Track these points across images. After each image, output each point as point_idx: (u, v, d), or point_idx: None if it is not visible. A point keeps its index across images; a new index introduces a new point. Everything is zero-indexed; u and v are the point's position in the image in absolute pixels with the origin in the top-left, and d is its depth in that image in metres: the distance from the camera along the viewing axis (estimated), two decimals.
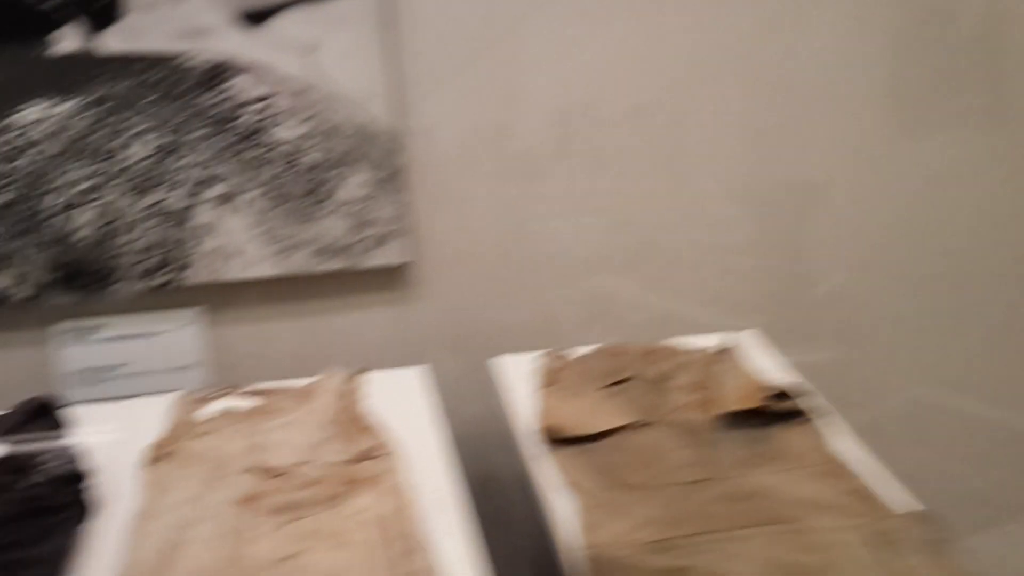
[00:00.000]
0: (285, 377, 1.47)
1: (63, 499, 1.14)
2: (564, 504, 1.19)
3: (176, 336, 1.54)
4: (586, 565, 1.08)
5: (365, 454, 1.27)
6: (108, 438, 1.31)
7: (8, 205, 1.43)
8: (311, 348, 1.59)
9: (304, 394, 1.42)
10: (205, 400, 1.41)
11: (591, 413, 1.34)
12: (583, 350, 1.51)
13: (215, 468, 1.25)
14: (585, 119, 1.62)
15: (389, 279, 1.60)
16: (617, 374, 1.44)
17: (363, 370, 1.47)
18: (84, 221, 1.46)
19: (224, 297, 1.54)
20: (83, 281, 1.47)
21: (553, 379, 1.44)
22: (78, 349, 1.51)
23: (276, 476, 1.23)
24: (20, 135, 1.43)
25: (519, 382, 1.46)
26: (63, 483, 1.17)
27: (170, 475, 1.24)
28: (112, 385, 1.52)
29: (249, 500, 1.18)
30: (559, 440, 1.30)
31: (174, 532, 1.13)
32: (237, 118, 1.48)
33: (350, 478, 1.22)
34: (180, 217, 1.49)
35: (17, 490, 1.16)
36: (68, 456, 1.21)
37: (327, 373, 1.44)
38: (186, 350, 1.55)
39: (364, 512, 1.16)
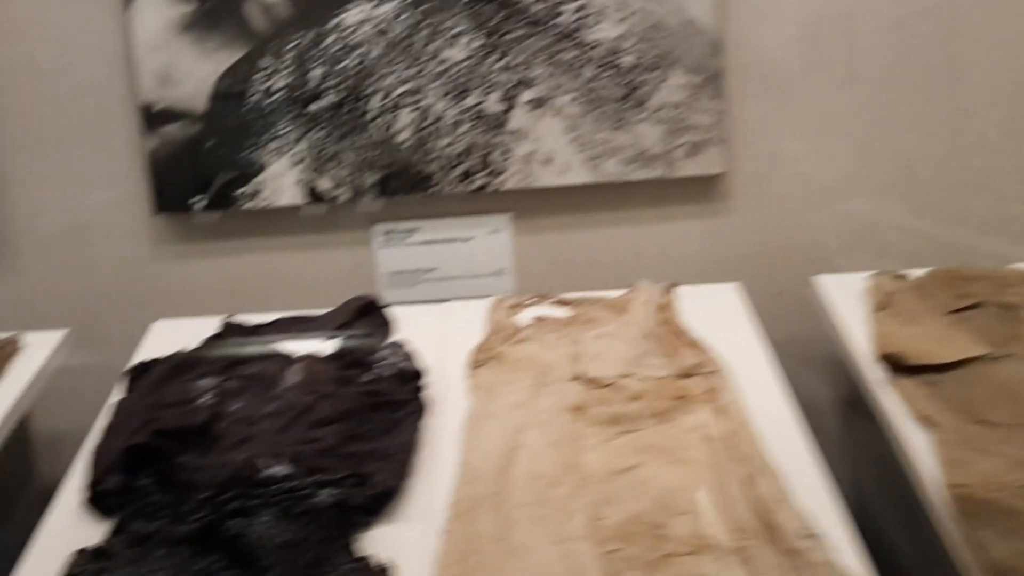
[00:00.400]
0: (589, 288, 1.44)
1: (403, 396, 1.16)
2: (913, 437, 1.09)
3: (486, 242, 1.54)
4: (951, 505, 0.99)
5: (690, 370, 1.22)
6: (430, 339, 1.32)
7: (334, 107, 1.46)
8: (617, 259, 1.54)
9: (617, 306, 1.38)
10: (518, 307, 1.41)
11: (937, 341, 1.22)
12: (916, 272, 1.38)
13: (540, 375, 1.23)
14: None
15: (701, 190, 1.52)
16: (961, 300, 1.30)
17: (675, 284, 1.41)
18: (404, 124, 1.47)
19: (533, 204, 1.52)
20: (400, 184, 1.49)
21: (887, 302, 1.32)
22: (392, 251, 1.54)
23: (602, 387, 1.20)
24: (345, 37, 1.45)
25: (841, 303, 1.35)
26: (402, 380, 1.19)
27: (497, 379, 1.24)
28: (423, 288, 1.55)
29: (577, 409, 1.16)
30: (899, 368, 1.20)
31: (509, 435, 1.12)
32: (554, 17, 1.43)
33: (678, 394, 1.18)
34: (494, 121, 1.47)
35: (359, 384, 1.19)
36: (404, 354, 1.24)
37: (638, 285, 1.40)
38: (496, 256, 1.54)
39: (699, 430, 1.12)
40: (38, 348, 1.38)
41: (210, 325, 1.40)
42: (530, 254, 1.55)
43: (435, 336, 1.35)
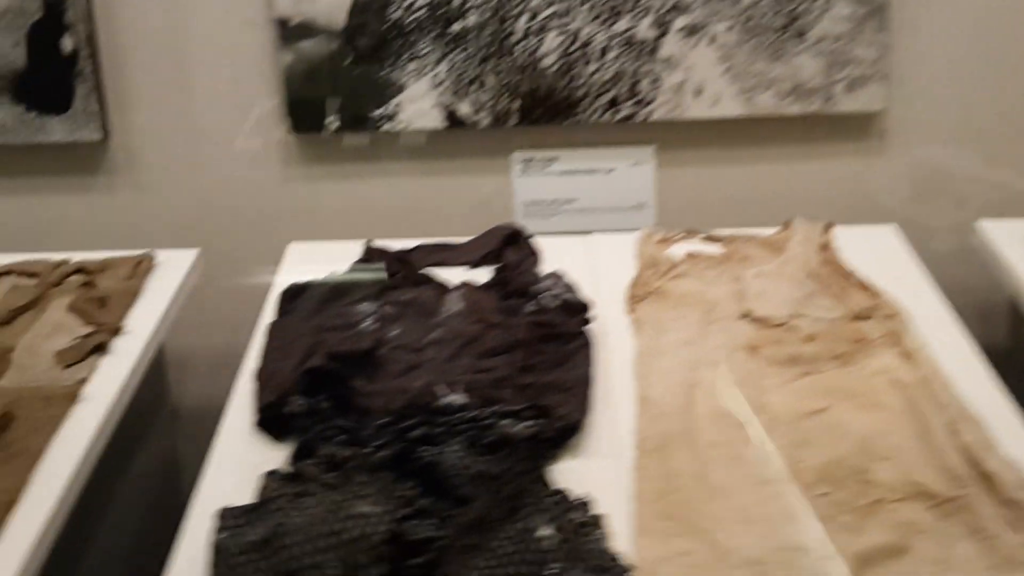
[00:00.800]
0: (732, 225, 1.39)
1: (572, 328, 1.13)
2: None
3: (628, 174, 1.49)
4: None
5: (864, 313, 1.18)
6: (576, 271, 1.28)
7: (478, 27, 1.40)
8: (763, 196, 1.48)
9: (772, 244, 1.33)
10: (667, 241, 1.36)
11: None
12: None
13: (706, 312, 1.19)
14: None
15: (858, 127, 1.45)
16: None
17: (830, 224, 1.36)
18: (549, 48, 1.41)
19: (679, 136, 1.47)
20: (543, 111, 1.44)
21: None
22: (531, 180, 1.49)
23: (773, 327, 1.16)
24: None
25: (1007, 249, 1.30)
26: (568, 311, 1.15)
27: (661, 315, 1.20)
28: (561, 219, 1.50)
29: (752, 349, 1.13)
30: None
31: (685, 373, 1.09)
32: None
33: (856, 336, 1.14)
34: (645, 48, 1.41)
35: (525, 314, 1.15)
36: (566, 285, 1.20)
37: (794, 223, 1.35)
38: (637, 189, 1.49)
39: (885, 374, 1.07)
40: (171, 267, 1.35)
41: (346, 248, 1.36)
42: (672, 188, 1.49)
43: (581, 268, 1.30)
